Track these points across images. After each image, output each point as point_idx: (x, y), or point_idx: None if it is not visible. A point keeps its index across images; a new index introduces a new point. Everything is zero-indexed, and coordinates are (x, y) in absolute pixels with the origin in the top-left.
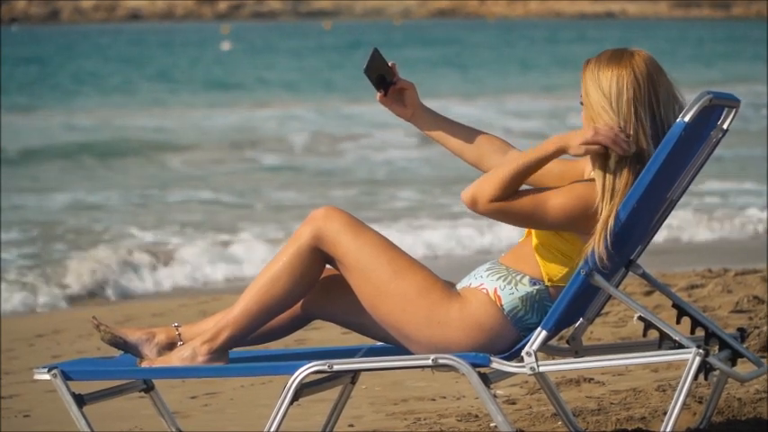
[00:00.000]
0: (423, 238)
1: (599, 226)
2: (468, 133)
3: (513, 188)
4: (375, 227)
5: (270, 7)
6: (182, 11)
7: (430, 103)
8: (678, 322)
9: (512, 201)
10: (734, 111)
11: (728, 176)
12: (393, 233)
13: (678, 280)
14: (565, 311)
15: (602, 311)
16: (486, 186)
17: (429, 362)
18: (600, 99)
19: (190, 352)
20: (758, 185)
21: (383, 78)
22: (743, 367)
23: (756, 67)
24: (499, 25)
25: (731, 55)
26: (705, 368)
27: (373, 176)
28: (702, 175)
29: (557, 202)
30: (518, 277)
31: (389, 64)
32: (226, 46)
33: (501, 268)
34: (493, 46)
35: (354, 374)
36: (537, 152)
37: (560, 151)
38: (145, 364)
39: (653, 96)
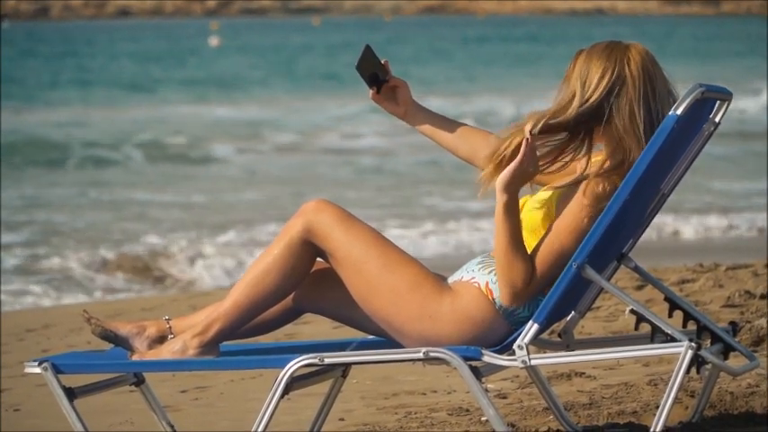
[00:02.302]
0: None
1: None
2: (460, 129)
3: (523, 253)
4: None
5: (259, 4)
6: (171, 7)
7: (426, 101)
8: (670, 316)
9: (539, 271)
10: (726, 104)
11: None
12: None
13: (669, 275)
14: (556, 305)
15: (593, 306)
16: (510, 278)
17: (420, 355)
18: (577, 90)
19: (180, 345)
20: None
21: (376, 76)
22: (735, 361)
23: (749, 63)
24: (489, 22)
25: (725, 52)
26: (697, 362)
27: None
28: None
29: (565, 234)
30: None
31: (382, 61)
32: (214, 42)
33: (492, 262)
34: (487, 42)
35: (345, 368)
36: (502, 215)
37: (509, 199)
38: (135, 358)
39: (649, 91)
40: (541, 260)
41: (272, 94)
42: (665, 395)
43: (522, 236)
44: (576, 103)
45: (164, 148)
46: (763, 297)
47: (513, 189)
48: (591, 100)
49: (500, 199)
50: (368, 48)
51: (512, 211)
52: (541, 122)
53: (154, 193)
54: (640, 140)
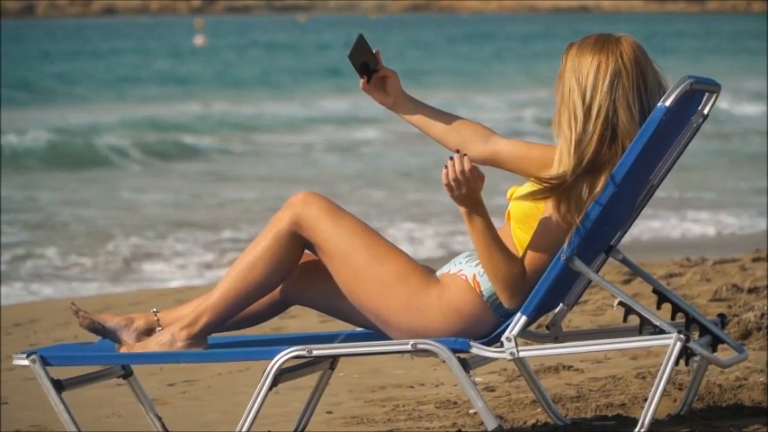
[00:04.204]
0: None
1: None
2: (450, 120)
3: (504, 254)
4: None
5: (243, 3)
6: (156, 6)
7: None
8: (659, 308)
9: (533, 265)
10: (714, 96)
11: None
12: None
13: (656, 269)
14: (545, 297)
15: (580, 300)
16: (501, 281)
17: (408, 347)
18: (573, 86)
19: (169, 337)
20: None
21: (366, 65)
22: (723, 354)
23: (740, 61)
24: (474, 20)
25: (712, 49)
26: (686, 353)
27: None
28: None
29: (555, 227)
30: None
31: (373, 51)
32: (199, 40)
33: None
34: (474, 39)
35: (333, 360)
36: (469, 226)
37: (469, 210)
38: (124, 350)
39: (641, 83)
40: (534, 254)
41: (261, 92)
42: (654, 387)
43: (499, 237)
44: (578, 101)
45: (148, 146)
46: (750, 291)
47: (464, 205)
48: (596, 102)
49: (461, 212)
50: (361, 37)
51: (474, 219)
52: (575, 167)
53: (139, 190)
54: (636, 133)
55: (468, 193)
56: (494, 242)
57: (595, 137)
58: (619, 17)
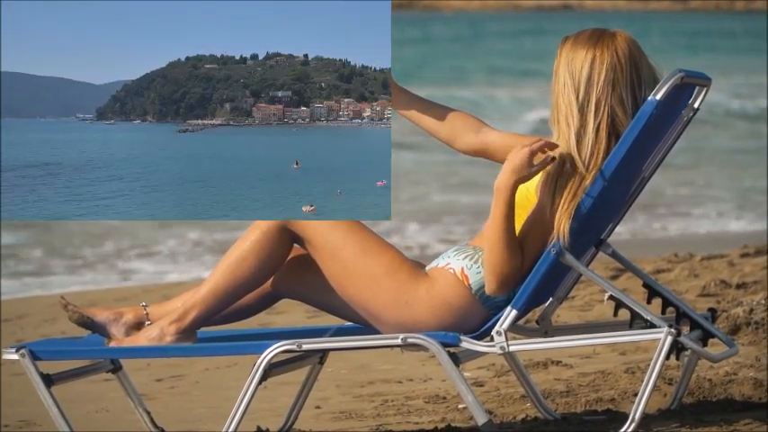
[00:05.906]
0: None
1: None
2: (441, 112)
3: (513, 247)
4: None
5: None
6: None
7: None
8: (649, 302)
9: (526, 258)
10: (705, 90)
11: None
12: None
13: (644, 265)
14: (535, 291)
15: (568, 295)
16: (502, 271)
17: (398, 341)
18: (567, 81)
19: (158, 331)
20: None
21: None
22: (713, 349)
23: (733, 59)
24: (458, 18)
25: (698, 48)
26: (677, 348)
27: None
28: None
29: (549, 220)
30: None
31: None
32: None
33: (468, 248)
34: (462, 37)
35: (323, 355)
36: (497, 208)
37: (510, 193)
38: (113, 344)
39: (635, 78)
40: (527, 248)
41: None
42: (645, 381)
43: (513, 229)
44: (572, 96)
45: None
46: (738, 286)
47: (511, 180)
48: (592, 97)
49: (505, 199)
50: None
51: (500, 202)
52: (577, 155)
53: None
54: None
55: (526, 172)
56: (508, 230)
57: (602, 133)
58: (603, 15)
